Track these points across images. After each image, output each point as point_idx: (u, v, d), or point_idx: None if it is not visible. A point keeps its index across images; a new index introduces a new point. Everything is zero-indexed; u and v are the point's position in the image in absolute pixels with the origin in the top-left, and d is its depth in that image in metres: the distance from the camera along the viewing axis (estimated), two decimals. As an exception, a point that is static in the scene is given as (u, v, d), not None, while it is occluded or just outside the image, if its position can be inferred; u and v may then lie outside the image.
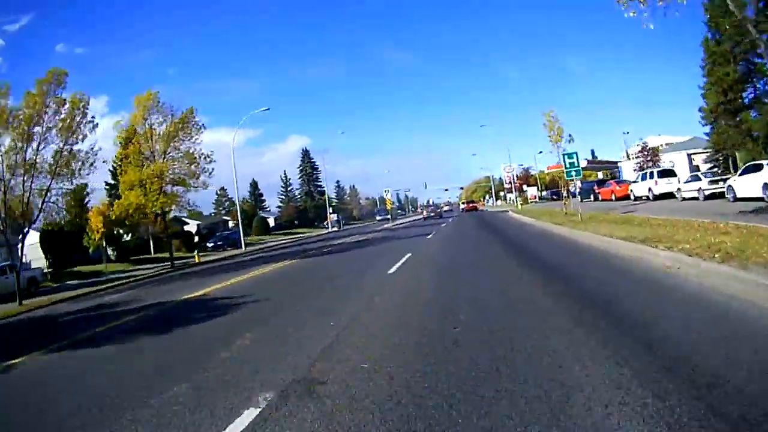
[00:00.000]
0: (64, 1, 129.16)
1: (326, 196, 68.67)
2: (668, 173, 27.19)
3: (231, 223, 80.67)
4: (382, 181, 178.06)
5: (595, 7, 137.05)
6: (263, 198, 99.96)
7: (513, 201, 66.03)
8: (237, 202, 39.62)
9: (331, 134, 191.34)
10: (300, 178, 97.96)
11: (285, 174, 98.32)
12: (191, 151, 28.17)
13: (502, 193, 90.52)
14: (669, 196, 25.27)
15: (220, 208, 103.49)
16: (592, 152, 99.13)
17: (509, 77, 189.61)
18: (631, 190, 28.74)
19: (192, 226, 69.32)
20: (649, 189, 26.61)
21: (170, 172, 27.85)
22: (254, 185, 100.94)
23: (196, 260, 30.86)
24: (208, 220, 78.57)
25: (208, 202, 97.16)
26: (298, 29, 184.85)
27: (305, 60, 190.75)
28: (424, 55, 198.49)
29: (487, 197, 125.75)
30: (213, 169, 28.22)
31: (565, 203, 21.09)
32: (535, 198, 56.21)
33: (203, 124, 29.09)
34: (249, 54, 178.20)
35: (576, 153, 17.41)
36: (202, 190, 28.45)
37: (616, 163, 71.80)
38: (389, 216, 64.66)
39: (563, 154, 17.02)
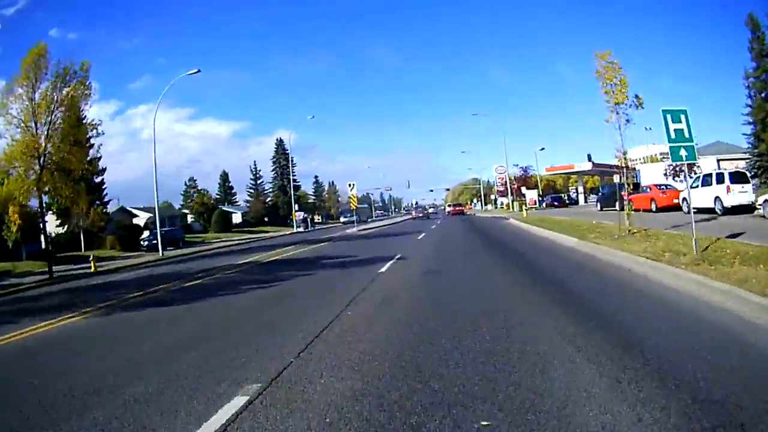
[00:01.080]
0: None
1: (291, 192, 59.73)
2: (742, 177, 19.39)
3: (190, 217, 71.67)
4: (367, 180, 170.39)
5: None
6: (234, 192, 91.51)
7: (506, 205, 58.22)
8: (155, 191, 30.56)
9: (318, 131, 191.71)
10: (273, 171, 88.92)
11: (255, 165, 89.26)
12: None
13: (493, 197, 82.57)
14: (745, 209, 17.86)
15: (188, 201, 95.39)
16: (589, 156, 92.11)
17: (499, 79, 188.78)
18: (684, 199, 20.71)
19: (142, 219, 60.54)
20: (717, 199, 18.80)
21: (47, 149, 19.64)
22: (224, 177, 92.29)
23: (92, 269, 22.43)
24: (168, 212, 69.55)
25: (177, 194, 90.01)
26: (289, 23, 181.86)
27: (295, 55, 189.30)
28: (415, 54, 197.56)
29: (474, 201, 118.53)
30: (101, 144, 19.75)
31: (627, 214, 13.03)
32: (534, 203, 48.35)
33: (92, 85, 20.85)
34: (239, 46, 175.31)
35: (685, 112, 8.69)
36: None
37: (613, 167, 64.00)
38: (355, 218, 55.97)
39: (664, 114, 8.34)
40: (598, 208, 29.51)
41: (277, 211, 79.21)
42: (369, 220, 75.82)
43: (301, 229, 51.07)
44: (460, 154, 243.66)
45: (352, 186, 36.71)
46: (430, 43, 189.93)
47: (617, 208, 27.38)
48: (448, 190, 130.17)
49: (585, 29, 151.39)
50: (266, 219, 75.65)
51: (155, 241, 39.66)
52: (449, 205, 71.10)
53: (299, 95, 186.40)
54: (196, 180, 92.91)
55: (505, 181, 68.68)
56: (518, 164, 56.15)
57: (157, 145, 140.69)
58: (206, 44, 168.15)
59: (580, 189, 56.96)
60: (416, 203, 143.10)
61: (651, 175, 33.20)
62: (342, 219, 68.93)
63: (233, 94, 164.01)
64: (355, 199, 37.54)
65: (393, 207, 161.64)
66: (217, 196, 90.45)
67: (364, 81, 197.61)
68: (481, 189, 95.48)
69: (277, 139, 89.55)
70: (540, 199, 50.15)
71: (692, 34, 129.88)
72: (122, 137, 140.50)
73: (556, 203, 48.14)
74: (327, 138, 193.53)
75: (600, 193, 34.52)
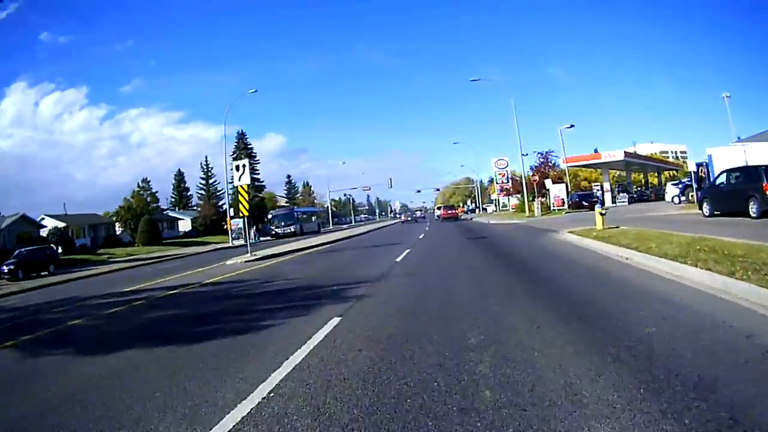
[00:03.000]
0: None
1: (226, 190, 46.07)
2: None
3: (119, 227, 57.52)
4: (356, 183, 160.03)
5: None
6: (189, 194, 77.90)
7: (517, 207, 45.18)
8: None
9: (309, 134, 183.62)
10: (233, 169, 75.43)
11: (206, 161, 75.27)
12: None
13: (494, 197, 69.31)
14: None
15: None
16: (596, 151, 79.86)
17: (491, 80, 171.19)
18: None
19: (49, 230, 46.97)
20: None
21: None
22: (179, 177, 78.51)
23: None
24: (90, 220, 55.97)
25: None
26: (280, 25, 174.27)
27: (283, 57, 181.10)
28: (403, 55, 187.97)
29: (468, 203, 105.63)
30: None
31: None
32: (562, 203, 35.05)
33: None
34: (230, 49, 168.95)
35: None
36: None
37: (648, 159, 51.05)
38: (296, 227, 42.94)
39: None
40: (705, 212, 16.60)
41: (237, 215, 65.29)
42: (322, 230, 52.87)
43: (240, 243, 37.82)
44: (453, 155, 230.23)
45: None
46: (426, 42, 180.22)
47: (705, 211, 14.78)
48: (437, 190, 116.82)
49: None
50: (223, 224, 61.78)
51: (12, 266, 26.88)
52: (439, 208, 56.28)
53: (289, 99, 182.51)
54: (149, 181, 79.42)
55: (508, 177, 55.75)
56: (536, 151, 42.01)
57: (146, 149, 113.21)
58: (196, 47, 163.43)
59: (606, 185, 44.28)
60: (402, 206, 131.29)
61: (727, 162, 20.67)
62: (275, 228, 46.64)
63: (222, 98, 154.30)
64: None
65: (380, 210, 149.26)
66: (173, 199, 77.74)
67: (356, 82, 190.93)
68: (477, 188, 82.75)
69: (237, 132, 76.00)
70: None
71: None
72: (113, 141, 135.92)
73: (585, 203, 35.21)
74: (319, 141, 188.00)
75: (698, 185, 22.37)
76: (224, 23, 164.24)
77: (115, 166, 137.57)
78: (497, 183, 64.69)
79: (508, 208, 60.39)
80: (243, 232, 38.62)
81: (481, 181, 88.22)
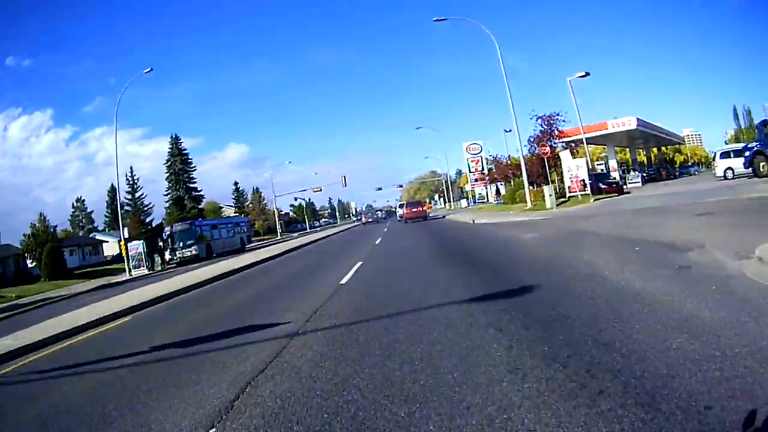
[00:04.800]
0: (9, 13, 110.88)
1: (117, 206, 35.56)
2: None
3: (29, 261, 45.98)
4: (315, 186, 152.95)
5: None
6: (127, 209, 66.92)
7: (501, 196, 37.11)
8: None
9: (270, 142, 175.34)
10: (168, 179, 64.75)
11: (131, 172, 64.60)
12: None
13: (469, 188, 60.94)
14: None
15: (77, 228, 71.86)
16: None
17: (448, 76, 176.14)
18: None
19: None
20: None
21: None
22: (111, 194, 67.06)
23: None
24: (5, 252, 45.24)
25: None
26: (233, 32, 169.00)
27: (239, 65, 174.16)
28: (360, 53, 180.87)
29: (436, 197, 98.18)
30: None
31: None
32: (583, 185, 25.58)
33: None
34: (185, 60, 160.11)
35: None
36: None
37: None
38: (179, 251, 29.63)
39: None
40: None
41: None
42: (223, 250, 33.54)
43: (144, 270, 27.95)
44: (418, 149, 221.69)
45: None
46: (382, 44, 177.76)
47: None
48: (401, 187, 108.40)
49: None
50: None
51: None
52: (402, 205, 42.72)
53: (249, 107, 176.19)
54: (84, 200, 68.50)
55: (483, 167, 47.67)
56: (536, 114, 30.09)
57: (111, 168, 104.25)
58: (154, 61, 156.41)
59: (612, 164, 36.78)
60: (367, 206, 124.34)
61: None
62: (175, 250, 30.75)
63: (184, 111, 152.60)
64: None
65: (337, 212, 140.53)
66: (106, 218, 67.20)
67: (314, 87, 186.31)
68: (448, 183, 74.52)
69: (171, 136, 65.63)
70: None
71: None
72: (80, 162, 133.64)
73: (602, 185, 27.24)
74: (280, 148, 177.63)
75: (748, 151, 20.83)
76: (179, 38, 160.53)
77: (82, 187, 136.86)
78: (470, 172, 56.92)
79: (486, 200, 52.22)
80: (145, 257, 28.93)
81: (449, 176, 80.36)
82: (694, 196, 15.78)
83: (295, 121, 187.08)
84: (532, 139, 30.33)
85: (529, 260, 8.26)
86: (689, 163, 78.80)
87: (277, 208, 75.59)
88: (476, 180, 52.15)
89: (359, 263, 11.81)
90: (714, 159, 27.66)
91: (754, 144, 21.28)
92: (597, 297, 4.73)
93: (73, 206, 71.79)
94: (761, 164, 20.35)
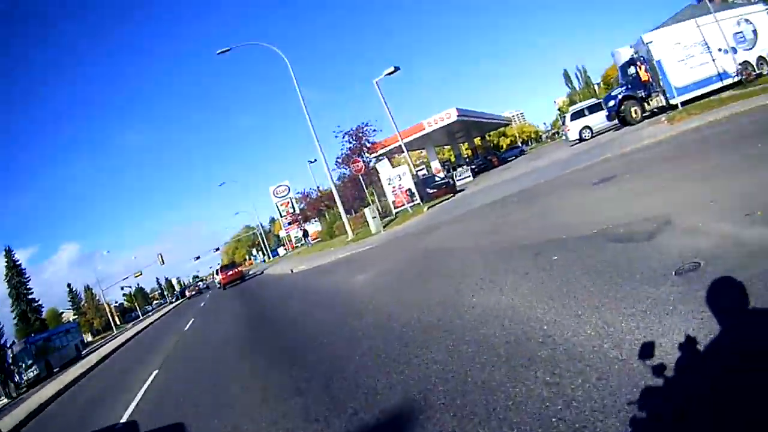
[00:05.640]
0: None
1: None
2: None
3: None
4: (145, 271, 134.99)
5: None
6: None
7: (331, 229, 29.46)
8: None
9: (101, 235, 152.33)
10: (9, 295, 57.41)
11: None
12: None
13: (284, 233, 52.01)
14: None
15: None
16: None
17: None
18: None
19: None
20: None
21: None
22: None
23: None
24: None
25: None
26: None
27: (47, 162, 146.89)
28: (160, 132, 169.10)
29: (254, 253, 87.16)
30: None
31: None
32: (408, 196, 17.72)
33: None
34: None
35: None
36: None
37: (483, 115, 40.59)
38: None
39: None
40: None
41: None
42: (61, 363, 31.20)
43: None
44: (220, 185, 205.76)
45: None
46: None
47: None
48: (217, 250, 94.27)
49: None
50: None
51: None
52: (219, 271, 34.98)
53: (73, 205, 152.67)
54: None
55: (294, 208, 40.29)
56: (342, 130, 24.79)
57: None
58: None
59: (435, 165, 32.67)
60: (194, 278, 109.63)
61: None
62: None
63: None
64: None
65: (169, 291, 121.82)
66: None
67: (122, 172, 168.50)
68: (261, 233, 64.81)
69: (5, 250, 57.95)
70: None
71: None
72: None
73: (434, 191, 21.02)
74: (107, 239, 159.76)
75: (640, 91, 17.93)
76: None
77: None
78: (282, 216, 49.68)
79: (303, 242, 44.17)
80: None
81: (261, 225, 70.85)
82: (561, 167, 13.13)
83: (111, 208, 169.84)
84: (340, 161, 25.66)
85: (383, 326, 4.71)
86: (517, 145, 71.83)
87: (108, 302, 67.57)
88: (289, 223, 44.87)
89: (153, 374, 8.32)
90: (564, 123, 25.26)
91: (619, 90, 19.01)
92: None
93: None
94: (633, 109, 18.28)
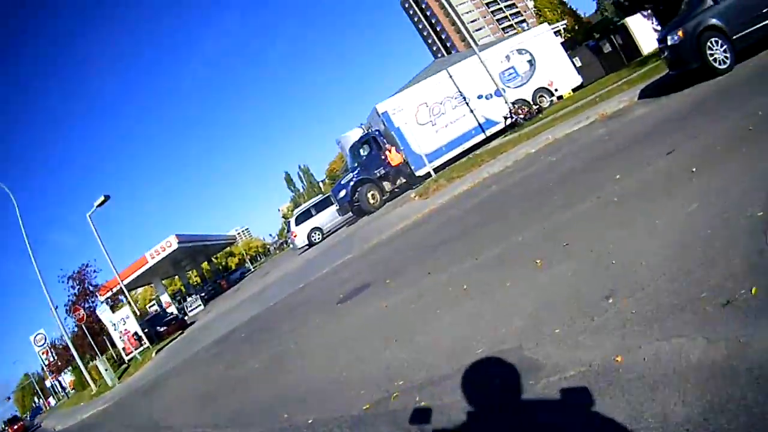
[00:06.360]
0: None
1: None
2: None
3: None
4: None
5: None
6: None
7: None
8: None
9: None
10: None
11: None
12: None
13: (50, 383, 48.41)
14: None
15: None
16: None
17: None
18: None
19: None
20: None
21: None
22: None
23: None
24: None
25: None
26: None
27: None
28: None
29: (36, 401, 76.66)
30: None
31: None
32: (138, 341, 19.25)
33: None
34: None
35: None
36: None
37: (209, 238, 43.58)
38: None
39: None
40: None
41: None
42: None
43: None
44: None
45: None
46: None
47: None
48: (9, 399, 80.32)
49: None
50: None
51: None
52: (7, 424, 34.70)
53: None
54: None
55: (53, 357, 39.49)
56: (66, 274, 24.81)
57: None
58: None
59: (165, 298, 35.36)
60: None
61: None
62: None
63: None
64: None
65: None
66: None
67: None
68: (33, 382, 58.37)
69: None
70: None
71: None
72: None
73: (164, 329, 23.59)
74: None
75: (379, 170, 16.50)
76: None
77: None
78: (45, 367, 46.57)
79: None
80: None
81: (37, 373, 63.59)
82: (294, 282, 12.00)
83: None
84: (68, 309, 24.27)
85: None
86: (241, 266, 65.44)
87: None
88: (52, 373, 42.87)
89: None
90: (290, 229, 22.75)
91: (350, 176, 16.54)
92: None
93: None
94: (369, 194, 16.01)
